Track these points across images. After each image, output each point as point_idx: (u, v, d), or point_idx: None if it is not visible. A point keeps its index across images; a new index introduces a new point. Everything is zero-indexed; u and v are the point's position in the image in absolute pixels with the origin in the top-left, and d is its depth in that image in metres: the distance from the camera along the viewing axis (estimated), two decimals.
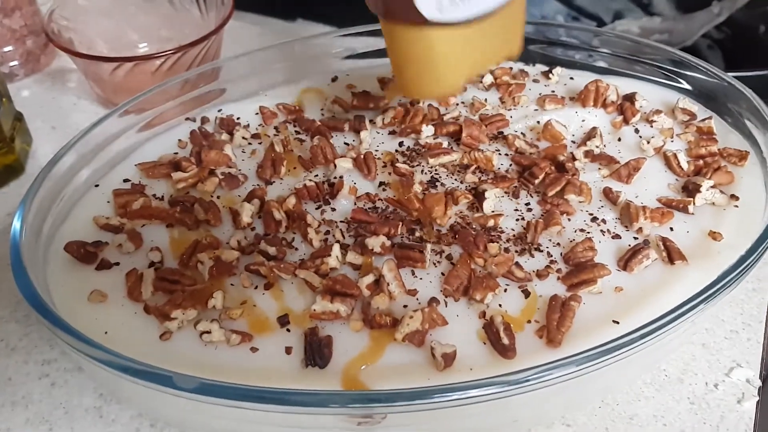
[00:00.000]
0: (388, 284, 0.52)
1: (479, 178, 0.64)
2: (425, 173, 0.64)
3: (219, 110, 0.74)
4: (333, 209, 0.61)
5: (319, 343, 0.49)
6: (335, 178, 0.64)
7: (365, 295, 0.53)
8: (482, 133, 0.68)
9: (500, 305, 0.53)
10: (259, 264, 0.54)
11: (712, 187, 0.61)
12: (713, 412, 0.57)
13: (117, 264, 0.56)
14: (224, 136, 0.69)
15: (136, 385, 0.45)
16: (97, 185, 0.64)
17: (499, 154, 0.67)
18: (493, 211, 0.60)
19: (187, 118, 0.73)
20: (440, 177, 0.64)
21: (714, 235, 0.58)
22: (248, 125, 0.72)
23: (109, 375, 0.47)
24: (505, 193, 0.62)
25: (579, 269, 0.54)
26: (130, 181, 0.65)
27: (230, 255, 0.55)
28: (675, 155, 0.65)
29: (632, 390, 0.59)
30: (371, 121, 0.71)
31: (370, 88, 0.77)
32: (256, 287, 0.54)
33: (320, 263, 0.55)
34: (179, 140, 0.69)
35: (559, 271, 0.55)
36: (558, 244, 0.58)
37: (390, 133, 0.70)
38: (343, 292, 0.52)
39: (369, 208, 0.61)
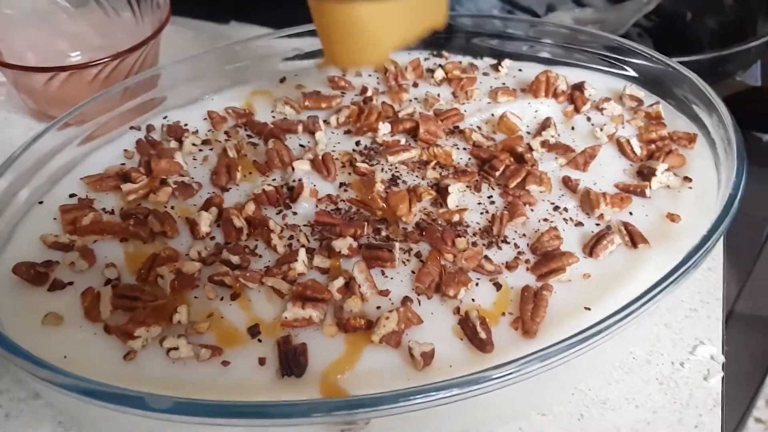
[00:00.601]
0: (359, 286, 0.51)
1: (440, 174, 0.63)
2: (386, 171, 0.64)
3: (164, 117, 0.71)
4: (294, 213, 0.60)
5: (294, 351, 0.47)
6: (294, 181, 0.62)
7: (336, 298, 0.51)
8: (439, 129, 0.67)
9: (473, 300, 0.52)
10: (223, 274, 0.52)
11: (666, 170, 0.63)
12: (681, 390, 0.58)
13: (71, 284, 0.53)
14: (173, 144, 0.67)
15: (104, 409, 0.43)
16: (41, 202, 0.61)
17: (458, 148, 0.66)
18: (457, 206, 0.60)
19: (131, 127, 0.70)
20: (401, 175, 0.63)
21: (672, 217, 0.59)
22: (197, 131, 0.69)
23: (71, 401, 0.44)
24: (467, 187, 0.62)
25: (547, 258, 0.55)
26: (76, 195, 0.61)
27: (191, 267, 0.53)
28: (628, 141, 0.66)
29: (603, 375, 0.59)
30: (325, 122, 0.70)
31: (320, 87, 0.75)
32: (221, 298, 0.52)
33: (287, 269, 0.53)
34: (125, 150, 0.66)
35: (527, 261, 0.55)
36: (524, 235, 0.58)
37: (345, 132, 0.69)
38: (314, 297, 0.50)
39: (332, 210, 0.60)
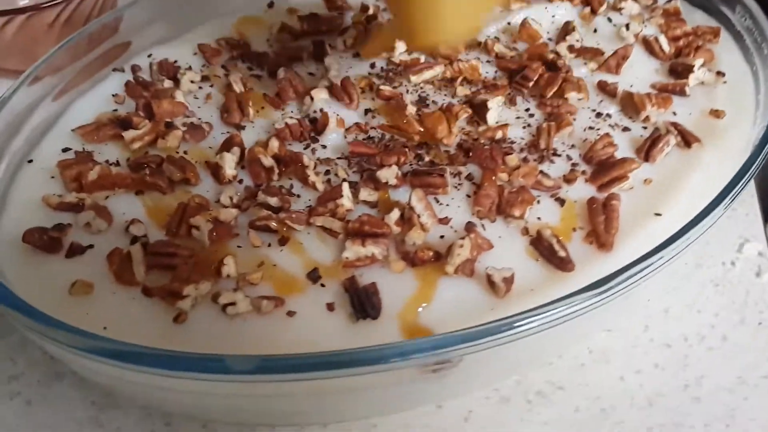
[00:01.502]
0: (418, 216, 0.47)
1: (471, 90, 0.58)
2: (411, 93, 0.58)
3: (149, 56, 0.64)
4: (324, 146, 0.54)
5: (366, 292, 0.43)
6: (315, 112, 0.56)
7: (395, 232, 0.47)
8: (459, 42, 0.62)
9: (539, 218, 0.49)
10: (265, 218, 0.47)
11: (701, 66, 0.60)
12: (737, 289, 0.57)
13: (91, 247, 0.47)
14: (167, 83, 0.60)
15: (155, 377, 0.38)
16: (30, 161, 0.53)
17: (480, 62, 0.61)
18: (497, 122, 0.55)
19: (114, 69, 0.62)
20: (428, 95, 0.58)
21: (717, 114, 0.57)
22: (190, 68, 0.62)
23: (115, 375, 0.39)
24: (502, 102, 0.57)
25: (605, 167, 0.51)
26: (71, 149, 0.54)
27: (228, 214, 0.47)
28: (656, 39, 0.63)
29: (660, 284, 0.58)
30: (330, 46, 0.64)
31: (315, 9, 0.69)
32: (269, 245, 0.47)
33: (334, 207, 0.48)
34: (115, 95, 0.59)
35: (584, 173, 0.52)
36: (572, 146, 0.54)
37: (354, 56, 0.63)
38: (374, 233, 0.46)
39: (364, 140, 0.54)
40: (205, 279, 0.44)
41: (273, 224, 0.47)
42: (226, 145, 0.53)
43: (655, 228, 0.48)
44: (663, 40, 0.63)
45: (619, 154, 0.53)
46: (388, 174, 0.50)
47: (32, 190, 0.51)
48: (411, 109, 0.55)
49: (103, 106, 0.58)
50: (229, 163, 0.51)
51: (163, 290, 0.43)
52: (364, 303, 0.43)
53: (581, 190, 0.51)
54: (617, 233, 0.47)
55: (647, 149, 0.53)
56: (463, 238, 0.45)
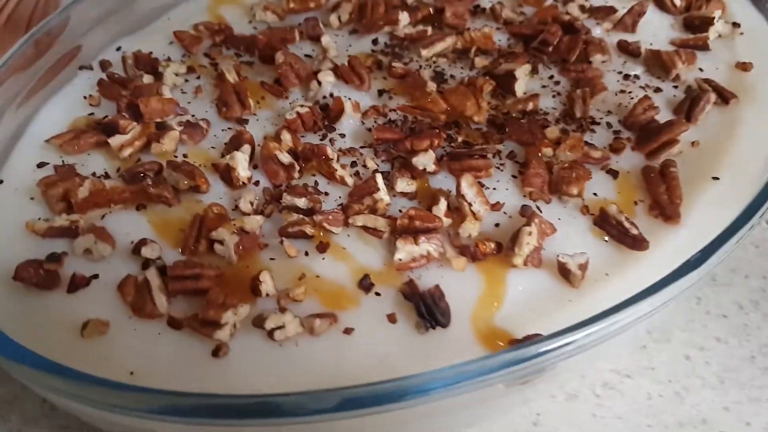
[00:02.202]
0: (470, 204, 0.42)
1: (489, 61, 0.53)
2: (424, 68, 0.53)
3: (118, 49, 0.56)
4: (342, 135, 0.48)
5: (432, 297, 0.38)
6: (324, 97, 0.50)
7: (445, 225, 0.42)
8: (465, 9, 0.57)
9: (595, 194, 0.45)
10: (298, 223, 0.41)
11: (720, 17, 0.57)
12: None
13: (95, 277, 0.40)
14: (146, 78, 0.52)
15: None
16: (0, 181, 0.46)
17: (492, 29, 0.56)
18: (524, 93, 0.51)
19: (81, 67, 0.54)
20: (444, 69, 0.53)
21: (744, 66, 0.54)
22: (169, 59, 0.55)
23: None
24: None
25: (652, 132, 0.47)
26: (47, 164, 0.46)
27: (254, 222, 0.41)
28: None
29: None
30: (323, 24, 0.57)
31: None
32: (306, 253, 0.41)
33: (372, 202, 0.42)
34: (88, 96, 0.51)
35: (629, 140, 0.48)
36: (609, 112, 0.50)
37: (351, 33, 0.57)
38: (425, 229, 0.41)
39: (384, 124, 0.49)
40: (242, 301, 0.37)
41: (308, 229, 0.41)
42: (235, 144, 0.46)
43: (715, 193, 0.45)
44: None
45: (659, 117, 0.49)
46: (426, 160, 0.44)
47: (9, 216, 0.43)
48: (431, 86, 0.50)
49: (76, 110, 0.51)
50: (242, 163, 0.44)
51: (195, 321, 0.37)
52: (431, 310, 0.37)
53: (631, 159, 0.47)
54: (682, 202, 0.43)
55: (688, 109, 0.49)
56: (528, 225, 0.40)
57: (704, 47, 0.55)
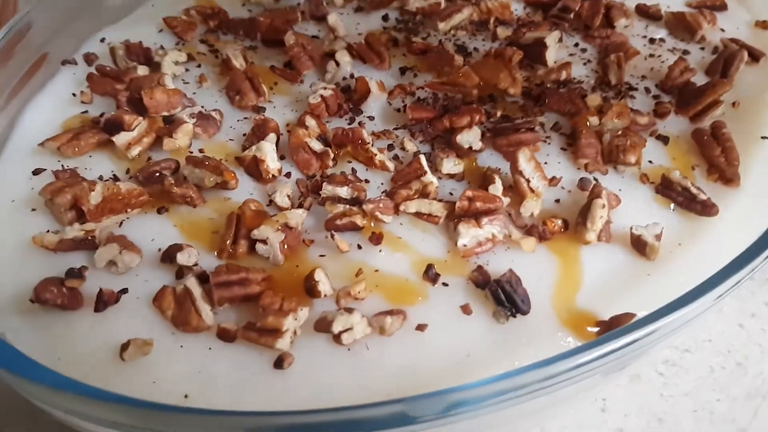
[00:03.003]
0: (528, 180, 0.39)
1: (511, 31, 0.50)
2: (444, 43, 0.50)
3: (102, 40, 0.50)
4: (371, 118, 0.44)
5: (509, 283, 0.35)
6: (344, 79, 0.46)
7: (504, 204, 0.39)
8: None
9: (650, 161, 0.42)
10: (346, 215, 0.37)
11: None
12: None
13: (125, 291, 0.35)
14: (141, 70, 0.47)
15: None
16: None
17: None
18: (555, 62, 0.48)
19: (64, 62, 0.48)
20: (464, 42, 0.50)
21: (764, 24, 0.53)
22: (162, 48, 0.49)
23: None
24: None
25: (694, 95, 0.45)
26: (44, 170, 0.41)
27: (297, 217, 0.37)
28: None
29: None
30: (325, 2, 0.53)
31: None
32: (359, 247, 0.37)
33: (420, 186, 0.39)
34: (79, 94, 0.46)
35: (671, 103, 0.46)
36: (643, 77, 0.48)
37: (357, 10, 0.53)
38: (486, 210, 0.37)
39: (414, 103, 0.45)
40: (300, 304, 0.33)
41: (359, 220, 0.37)
42: (258, 133, 0.42)
43: (764, 151, 0.43)
44: None
45: (695, 79, 0.47)
46: (470, 137, 0.41)
47: (10, 231, 0.38)
48: (458, 60, 0.47)
49: (65, 109, 0.45)
50: (271, 154, 0.40)
51: (251, 330, 0.33)
52: (511, 297, 0.34)
53: (677, 124, 0.45)
54: (740, 164, 0.41)
55: (723, 69, 0.48)
56: (598, 197, 0.37)
57: (722, 7, 0.54)
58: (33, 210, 0.39)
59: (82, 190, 0.38)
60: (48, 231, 0.37)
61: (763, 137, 0.44)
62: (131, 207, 0.38)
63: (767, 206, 0.40)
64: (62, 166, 0.41)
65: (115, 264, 0.36)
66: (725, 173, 0.41)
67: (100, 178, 0.40)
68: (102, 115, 0.44)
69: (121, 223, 0.38)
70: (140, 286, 0.35)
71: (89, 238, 0.37)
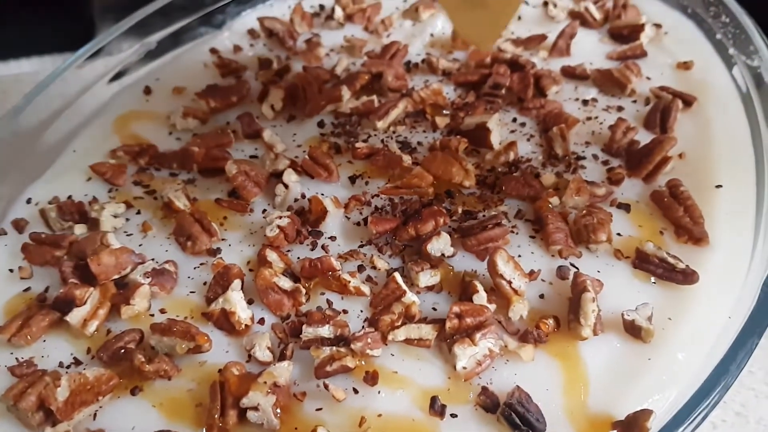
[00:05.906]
0: (510, 282, 0.38)
1: (449, 118, 0.50)
2: (387, 142, 0.49)
3: (28, 201, 0.47)
4: (332, 238, 0.43)
5: (520, 403, 0.33)
6: (296, 200, 0.45)
7: (491, 312, 0.38)
8: (401, 70, 0.53)
9: (618, 234, 0.42)
10: (335, 358, 0.35)
11: (645, 21, 0.57)
12: None
13: None
14: (78, 229, 0.44)
15: None
16: None
17: (429, 83, 0.53)
18: (500, 143, 0.48)
19: None
20: (406, 137, 0.49)
21: (685, 65, 0.55)
22: (95, 199, 0.46)
23: None
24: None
25: (643, 155, 0.46)
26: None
27: (284, 372, 0.35)
28: (586, 9, 0.59)
29: None
30: (256, 117, 0.52)
31: (205, 80, 0.56)
32: (356, 391, 0.35)
33: (402, 309, 0.37)
34: (17, 269, 0.42)
35: (621, 167, 0.46)
36: (586, 143, 0.48)
37: (289, 120, 0.52)
38: (478, 324, 0.36)
39: (372, 214, 0.44)
40: None
41: (350, 362, 0.35)
42: (221, 282, 0.39)
43: (722, 201, 0.44)
44: (591, 8, 0.59)
45: (638, 137, 0.48)
46: (441, 245, 0.40)
47: None
48: (407, 160, 0.46)
49: (5, 289, 0.42)
50: (240, 303, 0.38)
51: None
52: (525, 418, 0.33)
53: (632, 187, 0.45)
54: (704, 220, 0.42)
55: (661, 123, 0.49)
56: (586, 290, 0.37)
57: (642, 54, 0.55)
58: None
59: (47, 388, 0.35)
60: None
61: (717, 186, 0.45)
62: (102, 394, 0.35)
63: (740, 258, 0.41)
64: (16, 359, 0.37)
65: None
66: (693, 233, 0.41)
67: (61, 364, 0.37)
68: (47, 289, 0.41)
69: (95, 414, 0.35)
70: None
71: None
